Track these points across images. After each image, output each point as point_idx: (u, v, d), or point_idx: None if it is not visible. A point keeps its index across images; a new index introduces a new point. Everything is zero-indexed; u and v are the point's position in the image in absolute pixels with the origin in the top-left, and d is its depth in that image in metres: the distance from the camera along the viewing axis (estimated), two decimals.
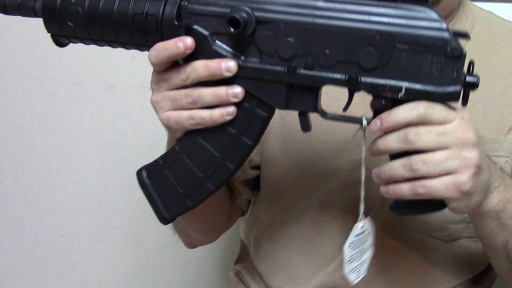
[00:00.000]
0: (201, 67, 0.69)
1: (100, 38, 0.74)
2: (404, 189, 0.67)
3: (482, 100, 0.95)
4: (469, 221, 0.95)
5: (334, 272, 1.00)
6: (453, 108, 0.66)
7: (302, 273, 1.03)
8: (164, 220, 0.78)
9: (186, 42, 0.68)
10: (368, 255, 0.77)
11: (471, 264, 1.00)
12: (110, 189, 1.67)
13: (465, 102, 0.66)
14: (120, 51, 0.78)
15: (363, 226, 0.75)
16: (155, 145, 1.55)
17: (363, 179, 0.74)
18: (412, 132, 0.64)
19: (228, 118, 0.71)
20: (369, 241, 0.77)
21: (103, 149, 1.65)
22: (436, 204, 0.69)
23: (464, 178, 0.65)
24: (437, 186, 0.65)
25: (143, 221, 1.67)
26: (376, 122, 0.67)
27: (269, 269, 1.08)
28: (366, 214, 0.77)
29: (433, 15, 0.64)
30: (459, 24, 1.00)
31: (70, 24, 0.73)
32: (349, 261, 0.76)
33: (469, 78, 0.65)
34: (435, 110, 0.65)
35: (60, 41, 0.77)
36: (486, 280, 1.04)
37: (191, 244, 1.17)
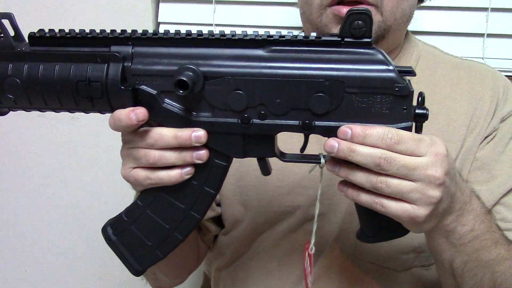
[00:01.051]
0: (170, 137, 0.69)
1: (44, 106, 0.72)
2: (363, 199, 0.68)
3: (462, 111, 0.99)
4: (419, 251, 0.99)
5: None
6: (427, 141, 0.67)
7: None
8: (136, 272, 0.78)
9: (138, 114, 0.67)
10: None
11: None
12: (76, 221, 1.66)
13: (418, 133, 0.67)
14: None
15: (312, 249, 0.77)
16: (119, 181, 1.65)
17: (316, 213, 0.76)
18: (386, 159, 0.64)
19: (187, 177, 0.71)
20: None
21: (66, 184, 1.65)
22: (398, 232, 0.72)
23: (421, 212, 0.67)
24: (395, 210, 0.67)
25: (107, 257, 1.65)
26: (347, 131, 0.66)
27: None
28: (322, 247, 0.78)
29: (379, 56, 0.66)
30: (405, 59, 1.03)
31: (11, 96, 0.71)
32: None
33: (418, 111, 0.67)
34: (405, 143, 0.65)
35: (1, 111, 0.75)
36: None
37: None
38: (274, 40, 0.67)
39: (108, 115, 0.71)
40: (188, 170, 0.71)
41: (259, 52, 0.67)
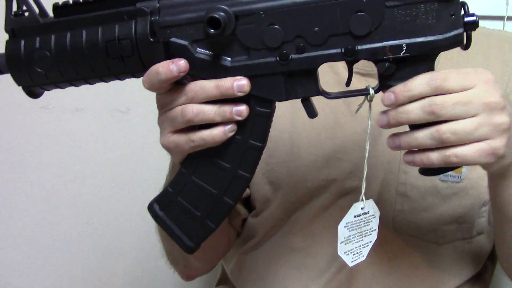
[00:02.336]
0: (211, 87, 0.65)
1: (76, 77, 0.70)
2: (434, 159, 0.64)
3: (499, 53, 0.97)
4: (460, 221, 0.94)
5: (327, 284, 0.98)
6: (472, 72, 0.64)
7: (293, 287, 1.00)
8: (189, 250, 0.74)
9: (179, 65, 0.64)
10: (369, 239, 0.75)
11: (468, 265, 0.99)
12: (79, 217, 1.63)
13: (468, 44, 0.64)
14: None
15: (363, 208, 0.73)
16: (127, 171, 1.64)
17: (366, 155, 0.72)
18: (437, 104, 0.61)
19: (231, 134, 0.68)
20: (372, 224, 0.74)
21: (72, 175, 1.62)
22: None
23: (497, 144, 0.63)
24: (471, 154, 0.63)
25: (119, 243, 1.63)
26: (390, 96, 0.64)
27: (256, 286, 1.04)
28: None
29: None
30: None
31: (40, 70, 0.69)
32: (344, 241, 0.73)
33: (467, 19, 0.63)
34: (452, 78, 0.62)
35: (33, 91, 0.74)
36: (482, 281, 1.04)
37: (189, 276, 1.14)
38: None
39: (109, 107, 0.67)
40: (232, 126, 0.67)
41: None
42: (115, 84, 0.71)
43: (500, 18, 1.38)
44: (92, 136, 1.61)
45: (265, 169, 0.99)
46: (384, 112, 0.65)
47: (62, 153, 1.61)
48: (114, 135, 1.63)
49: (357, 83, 0.72)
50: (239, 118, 0.66)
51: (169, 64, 0.64)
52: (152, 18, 0.66)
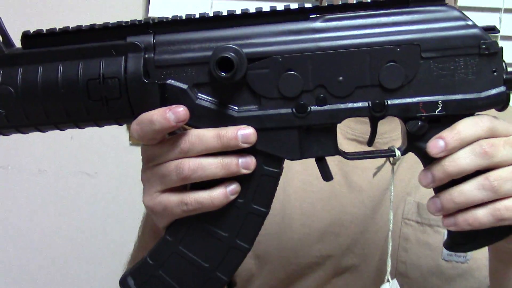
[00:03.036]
0: (211, 137, 0.57)
1: (45, 120, 0.60)
2: (482, 216, 0.57)
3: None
4: None
5: None
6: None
7: None
8: None
9: (178, 113, 0.55)
10: None
11: None
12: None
13: (507, 104, 0.59)
14: (54, 133, 0.64)
15: None
16: (91, 236, 1.57)
17: (391, 227, 0.66)
18: (487, 145, 0.56)
19: (233, 197, 0.59)
20: None
21: (32, 238, 1.55)
22: (504, 229, 0.60)
23: None
24: None
25: None
26: (438, 143, 0.56)
27: None
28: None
29: (455, 13, 0.57)
30: None
31: (1, 111, 0.59)
32: None
33: (507, 76, 0.58)
34: (499, 121, 0.58)
35: None
36: None
37: None
38: (326, 8, 0.59)
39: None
40: (234, 187, 0.59)
41: (311, 23, 0.58)
42: (82, 144, 0.63)
43: (497, 10, 1.41)
44: (54, 199, 1.54)
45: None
46: (427, 168, 0.58)
47: (20, 217, 1.53)
48: (78, 200, 1.55)
49: (349, 146, 0.66)
50: (246, 172, 0.58)
51: (166, 111, 0.55)
52: (146, 56, 0.58)
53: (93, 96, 0.58)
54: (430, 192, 0.61)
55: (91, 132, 0.65)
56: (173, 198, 0.59)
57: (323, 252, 0.88)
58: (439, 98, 0.57)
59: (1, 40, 0.60)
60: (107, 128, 0.65)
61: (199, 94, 0.59)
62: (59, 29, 0.60)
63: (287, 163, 0.61)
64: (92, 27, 0.59)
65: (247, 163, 0.58)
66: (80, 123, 0.61)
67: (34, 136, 1.38)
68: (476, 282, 0.87)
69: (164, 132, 0.57)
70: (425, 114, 0.57)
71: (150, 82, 0.57)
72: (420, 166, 0.60)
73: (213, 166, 0.57)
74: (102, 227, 1.57)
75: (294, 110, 0.58)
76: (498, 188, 0.55)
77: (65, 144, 1.46)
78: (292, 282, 0.90)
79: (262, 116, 0.58)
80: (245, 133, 0.57)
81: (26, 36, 0.60)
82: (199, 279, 0.62)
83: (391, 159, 0.61)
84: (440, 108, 0.57)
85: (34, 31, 0.60)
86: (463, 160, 0.56)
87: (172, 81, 0.58)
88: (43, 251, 1.55)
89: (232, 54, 0.55)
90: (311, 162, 0.61)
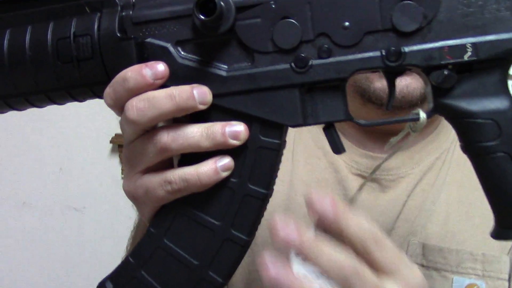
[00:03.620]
0: (163, 97, 0.50)
1: (13, 91, 0.54)
2: None
3: (479, 213, 0.82)
4: None
5: None
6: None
7: None
8: None
9: (155, 68, 0.49)
10: None
11: None
12: None
13: None
14: (42, 163, 0.58)
15: None
16: (76, 275, 1.48)
17: None
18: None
19: (225, 174, 0.50)
20: None
21: (12, 277, 1.48)
22: None
23: None
24: None
25: None
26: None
27: None
28: None
29: None
30: (443, 135, 0.87)
31: None
32: None
33: None
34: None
35: None
36: None
37: None
38: None
39: None
40: (227, 162, 0.50)
41: None
42: (72, 176, 0.56)
43: None
44: (38, 234, 1.49)
45: (247, 278, 0.82)
46: None
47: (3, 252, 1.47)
48: (64, 236, 1.50)
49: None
50: (235, 143, 0.49)
51: (142, 67, 0.49)
52: (124, 13, 0.52)
53: (63, 57, 0.51)
54: (438, 232, 0.51)
55: (82, 163, 0.59)
56: (155, 179, 0.51)
57: None
58: (468, 40, 0.48)
59: None
60: (99, 159, 0.58)
61: (182, 52, 0.51)
62: None
63: (291, 173, 0.52)
64: None
65: (235, 132, 0.49)
66: (51, 94, 0.54)
67: (21, 166, 1.33)
68: None
69: (139, 91, 0.49)
70: (451, 61, 0.48)
71: (125, 38, 0.51)
72: (429, 201, 0.51)
73: (196, 134, 0.49)
74: (88, 265, 1.50)
75: (293, 64, 0.50)
76: None
77: (53, 176, 1.43)
78: None
79: (256, 74, 0.50)
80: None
81: None
82: (188, 281, 0.53)
83: (413, 125, 0.53)
84: (470, 53, 0.48)
85: None
86: None
87: (151, 39, 0.51)
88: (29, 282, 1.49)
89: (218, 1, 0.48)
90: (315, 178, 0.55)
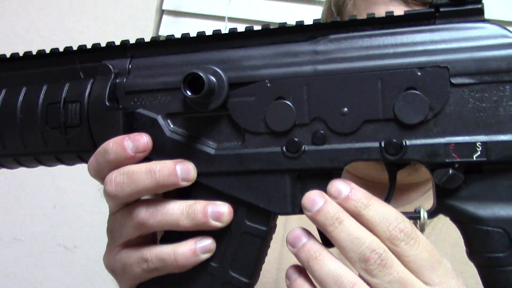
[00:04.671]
0: (142, 173, 0.47)
1: (2, 151, 0.54)
2: None
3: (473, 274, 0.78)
4: None
5: None
6: None
7: None
8: None
9: (137, 141, 0.48)
10: None
11: None
12: None
13: None
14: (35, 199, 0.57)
15: None
16: None
17: None
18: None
19: (204, 257, 0.48)
20: None
21: None
22: None
23: None
24: None
25: None
26: None
27: None
28: None
29: (495, 28, 0.45)
30: None
31: None
32: None
33: None
34: None
35: None
36: None
37: None
38: (331, 24, 0.48)
39: None
40: (207, 244, 0.48)
41: (311, 45, 0.48)
42: (65, 214, 0.54)
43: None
44: (26, 272, 1.44)
45: None
46: None
47: None
48: (52, 275, 1.46)
49: None
50: (216, 224, 0.47)
51: (123, 139, 0.47)
52: (118, 80, 0.50)
53: (51, 123, 0.52)
54: None
55: (77, 201, 0.56)
56: (133, 255, 0.49)
57: None
58: (478, 138, 0.44)
59: None
60: (92, 198, 0.56)
61: (172, 126, 0.49)
62: (37, 51, 0.55)
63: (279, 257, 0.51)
64: (67, 50, 0.54)
65: (218, 214, 0.46)
66: (40, 156, 0.54)
67: (13, 202, 1.30)
68: None
69: (119, 164, 0.47)
70: (458, 160, 0.44)
71: (113, 107, 0.49)
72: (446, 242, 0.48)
73: (176, 211, 0.47)
74: None
75: (284, 148, 0.46)
76: None
77: (46, 213, 1.39)
78: None
79: (245, 155, 0.47)
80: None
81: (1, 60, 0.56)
82: None
83: (418, 222, 0.47)
84: (479, 153, 0.44)
85: (10, 55, 0.55)
86: None
87: (142, 110, 0.50)
88: None
89: (210, 76, 0.46)
90: None
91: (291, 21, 1.18)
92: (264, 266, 0.54)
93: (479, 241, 0.45)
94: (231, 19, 1.47)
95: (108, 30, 1.46)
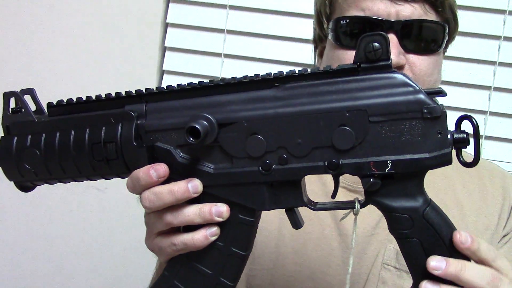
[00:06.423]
0: (165, 193, 0.65)
1: (63, 175, 0.71)
2: None
3: (474, 208, 0.95)
4: None
5: None
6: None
7: None
8: None
9: (158, 170, 0.64)
10: None
11: None
12: None
13: (462, 161, 0.63)
14: None
15: None
16: (99, 248, 1.62)
17: (350, 269, 0.70)
18: (497, 277, 0.62)
19: (213, 239, 0.66)
20: None
21: (43, 245, 1.59)
22: None
23: None
24: None
25: None
26: (467, 239, 0.61)
27: None
28: None
29: (400, 78, 0.60)
30: None
31: (30, 167, 0.70)
32: None
33: (456, 136, 0.61)
34: (499, 257, 0.63)
35: (24, 185, 0.74)
36: None
37: None
38: (286, 77, 0.64)
39: None
40: (214, 230, 0.66)
41: (273, 91, 0.64)
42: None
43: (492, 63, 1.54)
44: (65, 212, 1.60)
45: (247, 275, 0.96)
46: (445, 258, 0.62)
47: (32, 227, 1.60)
48: (88, 212, 1.62)
49: (344, 198, 0.70)
50: (219, 219, 0.65)
51: (149, 169, 0.64)
52: (138, 122, 0.67)
53: (97, 157, 0.68)
54: None
55: None
56: (165, 241, 0.68)
57: None
58: (389, 158, 0.61)
59: (35, 108, 0.73)
60: None
61: (181, 154, 0.66)
62: (75, 99, 0.71)
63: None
64: (98, 98, 0.69)
65: (219, 212, 0.65)
66: (91, 177, 0.71)
67: None
68: None
69: (149, 186, 0.65)
70: (376, 172, 0.61)
71: (139, 145, 0.66)
72: None
73: (191, 213, 0.65)
74: (109, 238, 1.63)
75: (260, 168, 0.64)
76: None
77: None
78: None
79: (234, 173, 0.65)
80: (194, 184, 0.65)
81: (49, 106, 0.72)
82: None
83: (354, 210, 0.66)
84: (389, 167, 0.61)
85: (56, 102, 0.71)
86: (475, 278, 0.61)
87: (159, 143, 0.67)
88: (52, 259, 1.63)
89: (204, 122, 0.62)
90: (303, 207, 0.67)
91: (283, 34, 1.60)
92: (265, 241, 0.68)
93: (394, 223, 0.63)
94: (229, 31, 1.60)
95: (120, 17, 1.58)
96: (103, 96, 0.70)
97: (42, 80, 1.59)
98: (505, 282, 0.62)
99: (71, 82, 1.61)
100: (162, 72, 1.67)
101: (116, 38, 1.61)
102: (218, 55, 1.63)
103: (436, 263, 0.60)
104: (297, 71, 0.64)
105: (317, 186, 0.95)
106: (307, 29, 1.28)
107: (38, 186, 0.74)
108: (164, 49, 1.66)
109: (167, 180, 0.65)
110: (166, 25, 1.66)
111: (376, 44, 0.60)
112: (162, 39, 1.64)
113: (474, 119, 0.61)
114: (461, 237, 0.61)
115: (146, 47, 1.59)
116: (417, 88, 0.60)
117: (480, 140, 1.37)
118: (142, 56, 1.61)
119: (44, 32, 1.62)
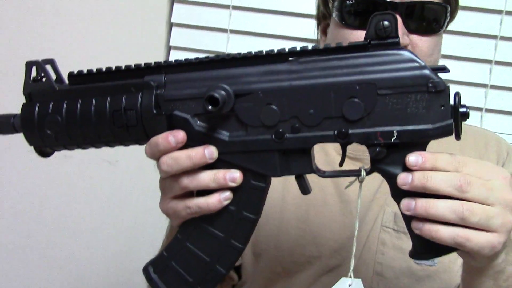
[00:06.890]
0: (183, 158, 0.67)
1: (83, 141, 0.73)
2: (445, 235, 0.62)
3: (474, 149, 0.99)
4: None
5: None
6: (490, 165, 0.65)
7: None
8: None
9: (177, 136, 0.66)
10: None
11: None
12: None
13: (458, 134, 0.64)
14: None
15: (351, 285, 0.72)
16: (109, 220, 1.66)
17: (356, 233, 0.73)
18: (465, 181, 0.61)
19: (226, 203, 0.68)
20: None
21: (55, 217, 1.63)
22: (451, 248, 0.66)
23: (502, 239, 0.62)
24: (481, 242, 0.61)
25: None
26: (418, 159, 0.63)
27: None
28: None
29: (407, 55, 0.63)
30: None
31: (51, 133, 0.73)
32: None
33: (461, 109, 0.64)
34: (471, 164, 0.63)
35: (44, 151, 0.77)
36: None
37: None
38: (301, 52, 0.67)
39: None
40: (227, 194, 0.68)
41: (287, 65, 0.67)
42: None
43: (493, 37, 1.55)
44: (78, 183, 1.63)
45: (252, 240, 0.96)
46: (410, 172, 0.63)
47: (46, 198, 1.64)
48: (100, 185, 1.65)
49: (347, 166, 0.74)
50: (233, 184, 0.67)
51: (168, 135, 0.66)
52: (158, 92, 0.69)
53: (117, 124, 0.70)
54: None
55: None
56: (179, 204, 0.69)
57: (314, 253, 0.97)
58: (395, 128, 0.64)
59: (55, 78, 0.75)
60: None
61: (198, 122, 0.69)
62: (96, 69, 0.73)
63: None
64: (119, 69, 0.72)
65: (233, 177, 0.67)
66: (110, 143, 0.74)
67: None
68: (443, 283, 0.95)
69: (167, 151, 0.67)
70: (382, 141, 0.64)
71: (159, 113, 0.69)
72: None
73: (206, 178, 0.67)
74: (120, 211, 1.66)
75: (273, 136, 0.67)
76: (467, 218, 0.60)
77: None
78: (287, 276, 0.99)
79: (248, 141, 0.67)
80: (210, 150, 0.66)
81: (70, 76, 0.74)
82: (203, 270, 0.72)
83: (359, 177, 0.68)
84: (395, 137, 0.64)
85: (77, 71, 0.74)
86: (441, 185, 0.61)
87: (177, 112, 0.69)
88: (64, 230, 1.67)
89: (222, 92, 0.64)
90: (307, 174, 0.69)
91: (284, 33, 1.60)
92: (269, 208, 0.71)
93: (397, 189, 0.66)
94: (232, 31, 1.63)
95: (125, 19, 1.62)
96: (123, 67, 0.72)
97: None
98: (476, 184, 0.61)
99: (83, 52, 1.64)
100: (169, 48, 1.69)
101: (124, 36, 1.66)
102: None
103: (403, 176, 0.63)
104: (312, 47, 0.67)
105: (319, 155, 0.97)
106: (310, 28, 1.30)
107: (56, 152, 0.76)
108: (170, 25, 1.68)
109: (184, 147, 0.67)
110: (170, 25, 1.69)
111: (386, 23, 0.63)
112: (167, 39, 1.68)
113: (459, 95, 0.64)
114: (409, 160, 0.63)
115: (152, 45, 1.64)
116: (423, 64, 0.63)
117: (481, 112, 1.41)
118: (149, 32, 1.64)
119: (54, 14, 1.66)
